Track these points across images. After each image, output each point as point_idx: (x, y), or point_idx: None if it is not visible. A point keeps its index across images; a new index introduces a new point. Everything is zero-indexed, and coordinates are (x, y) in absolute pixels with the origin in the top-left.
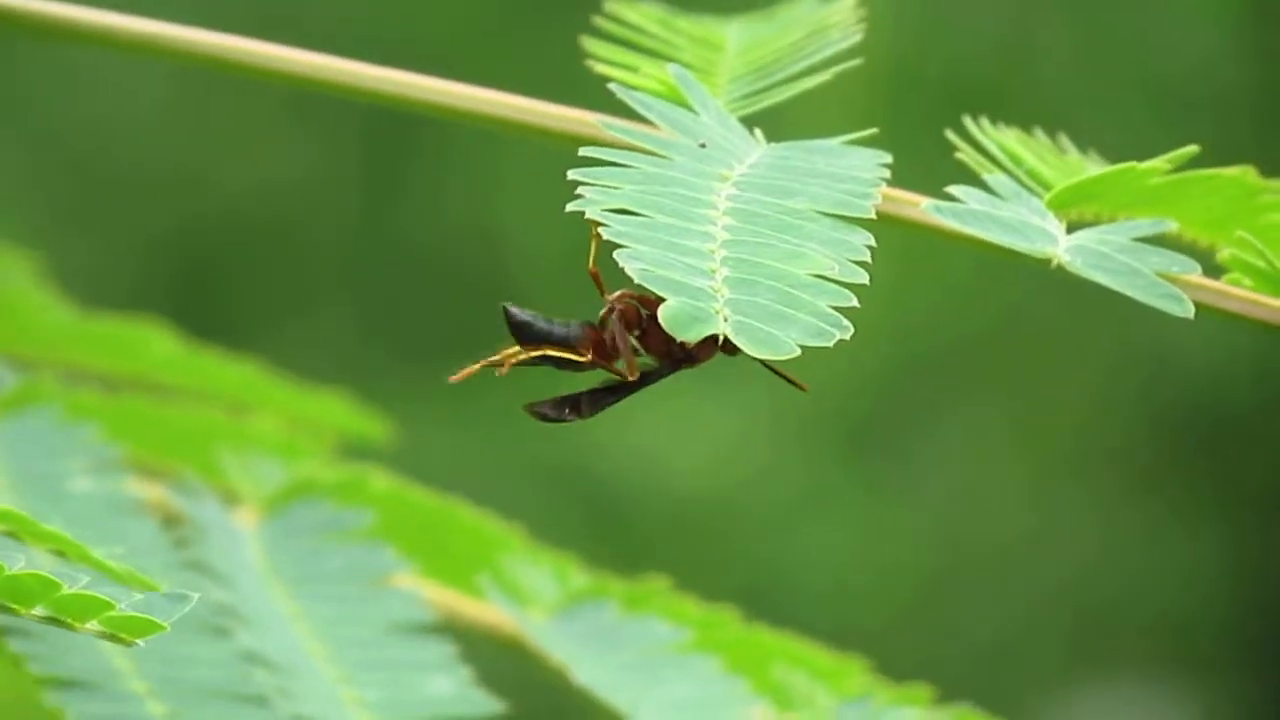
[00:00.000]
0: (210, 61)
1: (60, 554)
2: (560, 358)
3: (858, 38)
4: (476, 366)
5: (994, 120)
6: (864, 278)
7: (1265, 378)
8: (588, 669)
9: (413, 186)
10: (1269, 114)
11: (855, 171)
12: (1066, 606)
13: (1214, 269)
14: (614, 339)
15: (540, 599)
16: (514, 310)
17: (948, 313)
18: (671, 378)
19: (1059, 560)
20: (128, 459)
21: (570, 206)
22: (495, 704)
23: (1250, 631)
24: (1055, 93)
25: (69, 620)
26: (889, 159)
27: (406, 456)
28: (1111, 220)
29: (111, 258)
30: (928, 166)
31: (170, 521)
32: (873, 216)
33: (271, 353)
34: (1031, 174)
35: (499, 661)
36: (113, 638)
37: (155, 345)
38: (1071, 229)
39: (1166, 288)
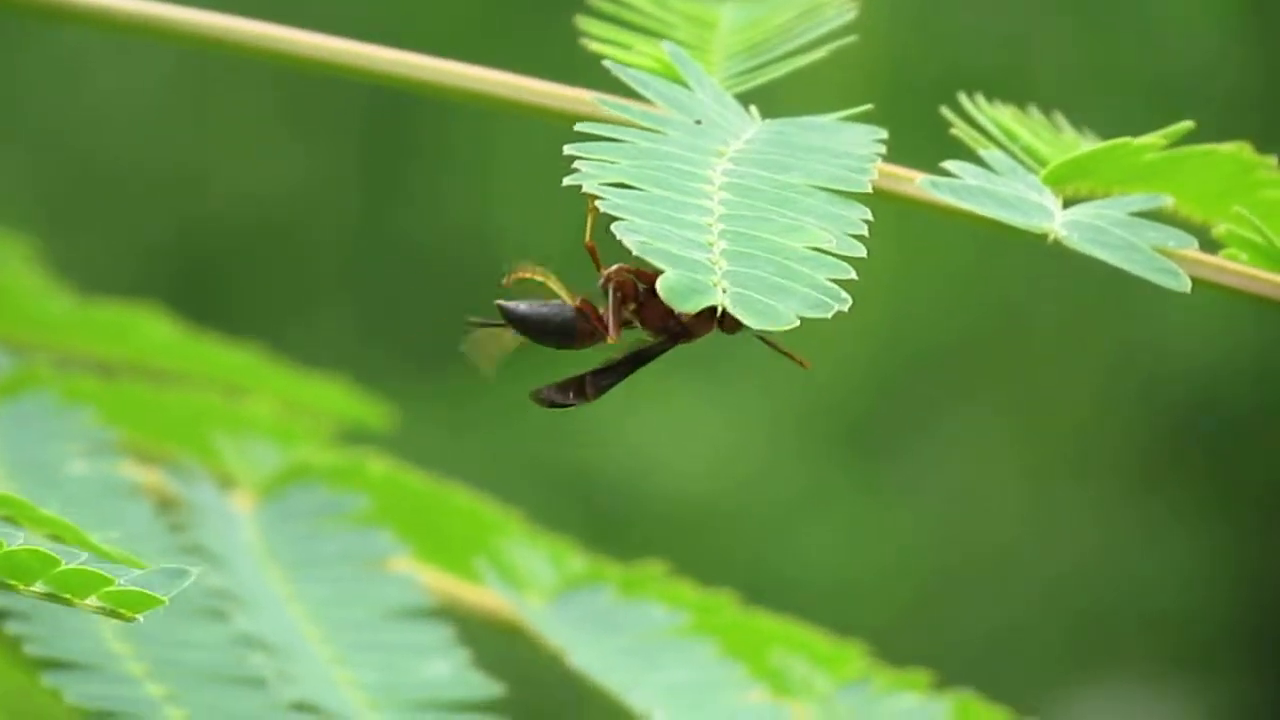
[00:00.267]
0: (208, 42)
1: (57, 538)
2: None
3: (852, 15)
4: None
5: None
6: (861, 251)
7: (1266, 377)
8: (584, 653)
9: (411, 188)
10: (1272, 113)
11: (851, 147)
12: (1066, 606)
13: (1210, 245)
14: (609, 311)
15: (537, 583)
16: (509, 306)
17: (946, 311)
18: (669, 380)
19: (1059, 559)
20: (124, 443)
21: (567, 180)
22: (493, 687)
23: (1251, 631)
24: (1054, 87)
25: (68, 596)
26: (884, 134)
27: (405, 457)
28: (1107, 196)
29: (110, 259)
30: (924, 153)
31: (166, 505)
32: (869, 191)
33: (271, 353)
34: (1027, 150)
35: (495, 645)
36: (112, 613)
37: (151, 330)
38: (1067, 205)
39: (1163, 262)
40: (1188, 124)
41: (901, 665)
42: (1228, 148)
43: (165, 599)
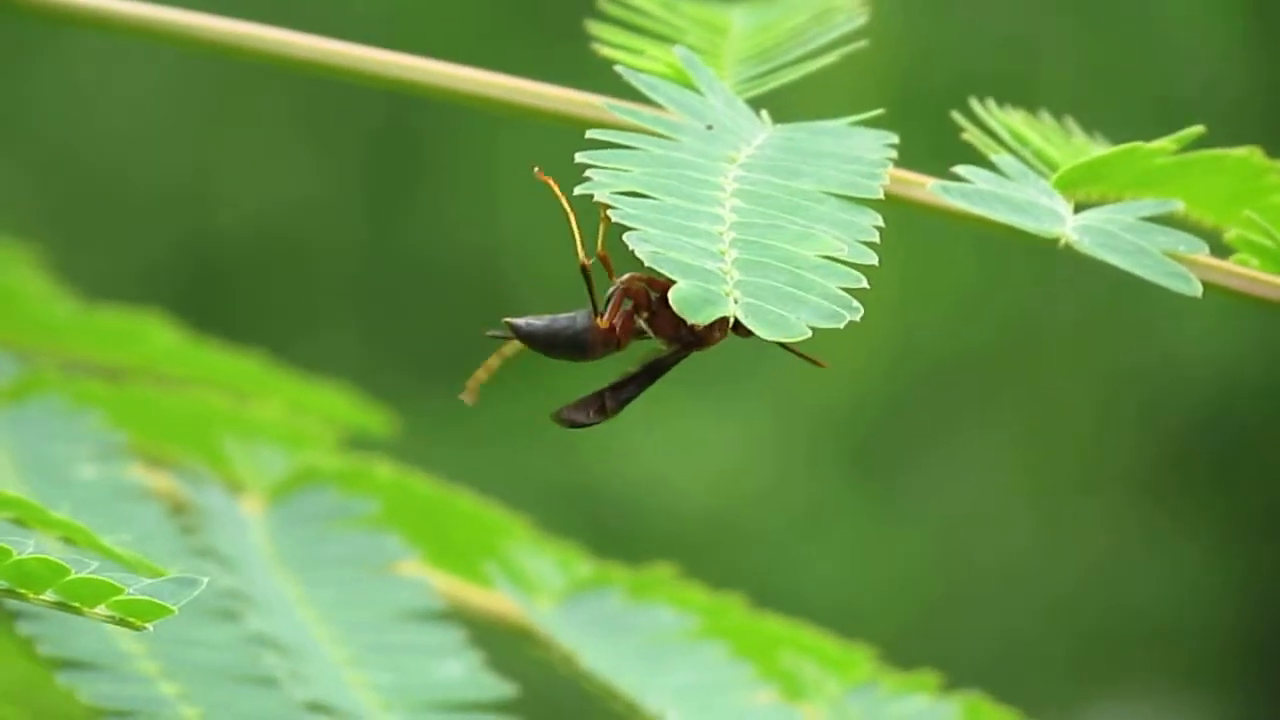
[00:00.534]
0: (218, 47)
1: (68, 541)
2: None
3: (863, 20)
4: (482, 374)
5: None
6: (873, 259)
7: (1273, 390)
8: (595, 655)
9: (417, 202)
10: (1277, 122)
11: (862, 152)
12: (1074, 621)
13: (1220, 250)
14: (621, 321)
15: (545, 586)
16: (517, 322)
17: (953, 328)
18: (676, 396)
19: (1066, 574)
20: (132, 447)
21: (579, 189)
22: (505, 688)
23: (1260, 645)
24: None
25: (78, 605)
26: (895, 140)
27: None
28: (1118, 201)
29: (116, 272)
30: (931, 162)
31: (176, 509)
32: (881, 197)
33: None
34: (1038, 155)
35: (503, 648)
36: (121, 622)
37: (156, 336)
38: (1078, 209)
39: (1174, 266)
40: (1198, 129)
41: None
42: (1238, 153)
43: (174, 608)
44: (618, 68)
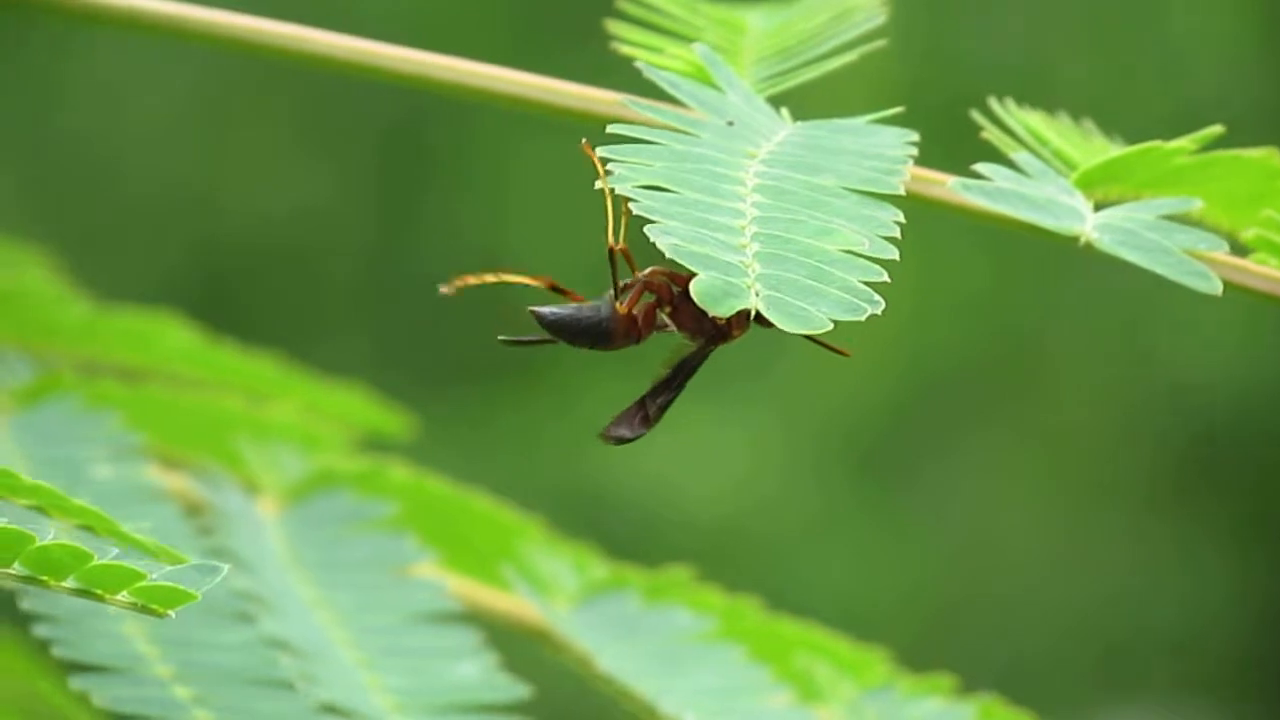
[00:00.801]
0: (238, 44)
1: (88, 529)
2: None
3: (883, 19)
4: (471, 279)
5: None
6: (894, 253)
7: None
8: (611, 657)
9: (428, 211)
10: None
11: (883, 149)
12: (1087, 631)
13: (1237, 251)
14: (642, 314)
15: (562, 588)
16: (542, 311)
17: (963, 337)
18: (684, 405)
19: (1078, 585)
20: (148, 448)
21: (599, 184)
22: (521, 689)
23: (1274, 657)
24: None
25: (100, 592)
26: (916, 137)
27: None
28: (1137, 200)
29: (127, 279)
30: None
31: (192, 510)
32: (902, 193)
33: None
34: (1057, 154)
35: (519, 650)
36: (144, 608)
37: (171, 338)
38: (1097, 209)
39: (1194, 265)
40: (1217, 129)
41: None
42: (1256, 153)
43: (197, 593)
44: (638, 63)
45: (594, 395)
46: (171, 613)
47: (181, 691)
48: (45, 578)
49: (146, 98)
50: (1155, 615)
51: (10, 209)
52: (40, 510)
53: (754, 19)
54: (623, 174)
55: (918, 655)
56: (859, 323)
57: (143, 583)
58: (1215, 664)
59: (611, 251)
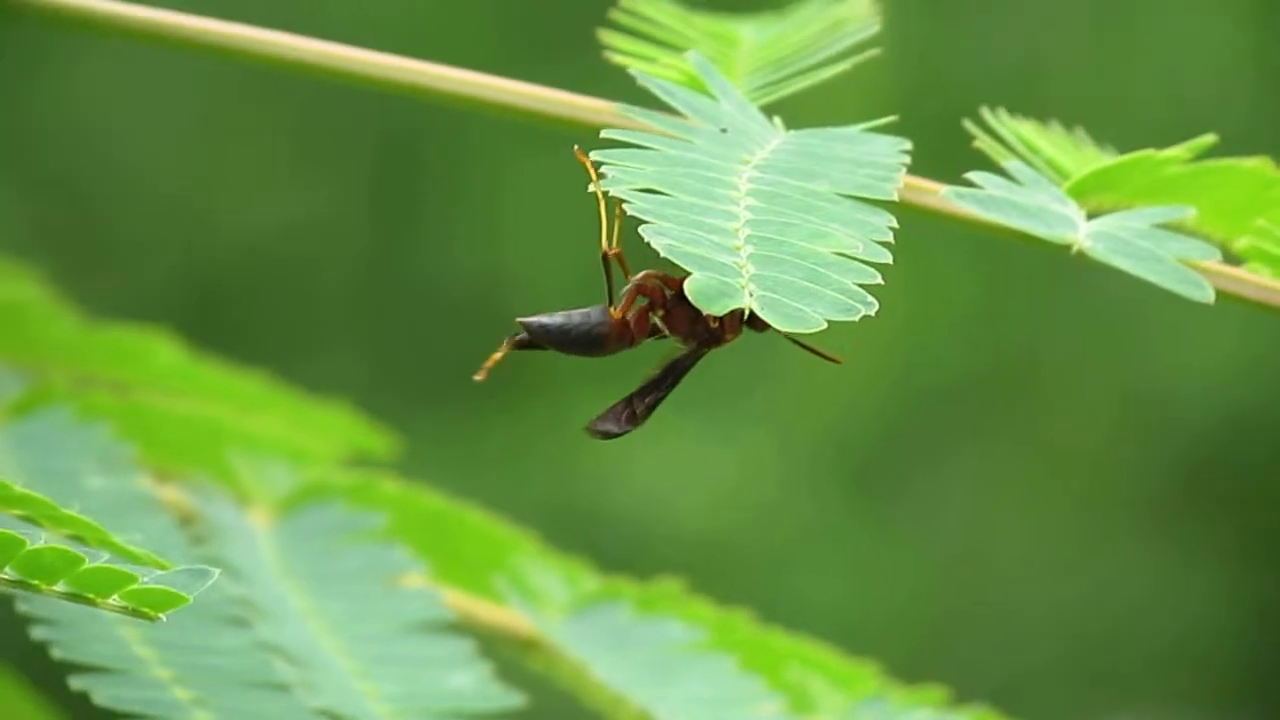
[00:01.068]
0: (231, 53)
1: (79, 539)
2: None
3: (877, 28)
4: (499, 355)
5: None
6: (888, 257)
7: (1275, 410)
8: (604, 667)
9: (421, 226)
10: None
11: (876, 157)
12: (1080, 645)
13: (1230, 260)
14: (635, 318)
15: (553, 600)
16: (531, 321)
17: (956, 350)
18: (677, 418)
19: (1070, 598)
20: (139, 460)
21: (592, 188)
22: (514, 698)
23: (1267, 670)
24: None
25: (91, 596)
26: (909, 145)
27: None
28: (1129, 209)
29: (120, 298)
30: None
31: (184, 520)
32: (895, 199)
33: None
34: (1050, 163)
35: (511, 661)
36: (135, 612)
37: (161, 354)
38: (1090, 217)
39: (1186, 273)
40: (1210, 138)
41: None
42: (1249, 163)
43: (189, 597)
44: (632, 70)
45: (586, 411)
46: (163, 616)
47: (181, 693)
48: (36, 582)
49: (140, 112)
50: (1149, 627)
51: (3, 224)
52: (31, 520)
53: (747, 32)
54: (616, 177)
55: (912, 667)
56: (852, 335)
57: (134, 586)
58: (1208, 676)
59: (605, 255)
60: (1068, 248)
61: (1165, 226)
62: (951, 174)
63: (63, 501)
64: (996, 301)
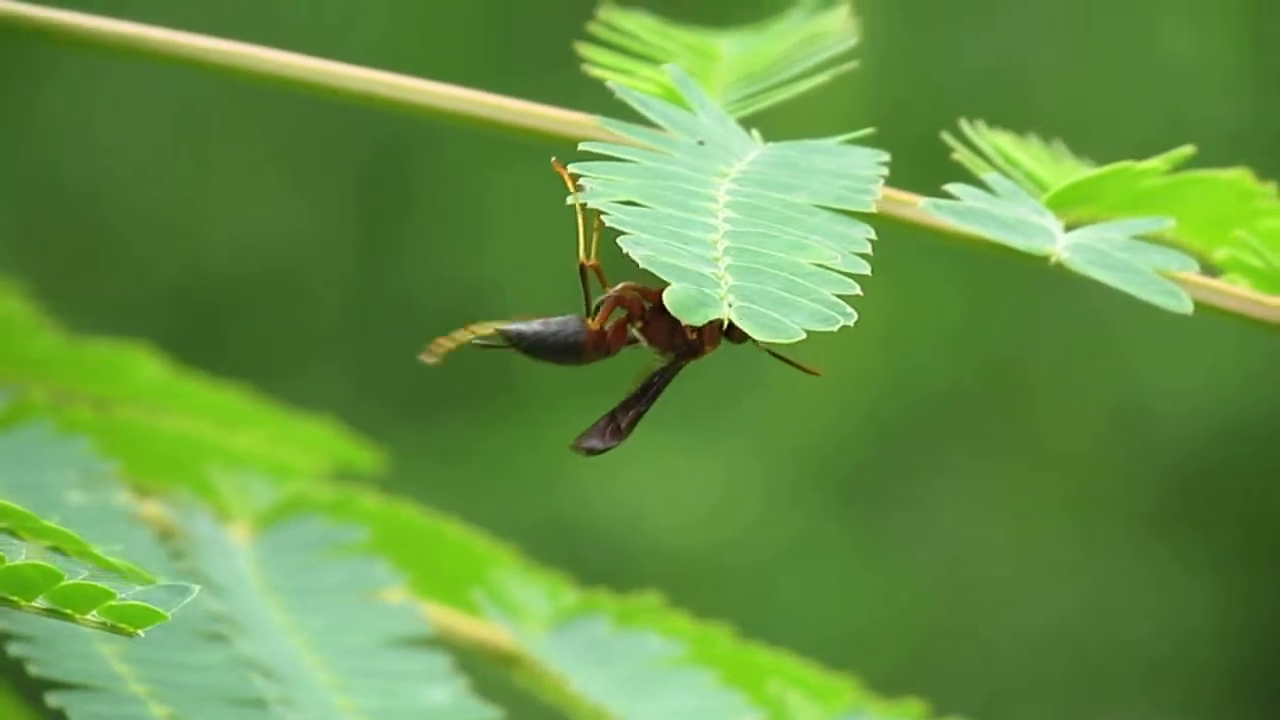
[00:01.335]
0: (212, 67)
1: (59, 550)
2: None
3: (854, 42)
4: (449, 343)
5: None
6: (866, 268)
7: (1266, 424)
8: (583, 681)
9: (406, 240)
10: (1270, 152)
11: (854, 169)
12: (1067, 656)
13: (1210, 271)
14: (613, 329)
15: (533, 614)
16: (510, 328)
17: (942, 362)
18: (661, 432)
19: (1058, 610)
20: (120, 475)
21: (571, 200)
22: (491, 713)
23: (1252, 679)
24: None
25: (70, 611)
26: (887, 157)
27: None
28: (1108, 221)
29: (105, 313)
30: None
31: (164, 535)
32: (873, 210)
33: (259, 395)
34: (1029, 176)
35: (489, 675)
36: (113, 628)
37: (143, 369)
38: (1068, 229)
39: (1164, 284)
40: (1188, 149)
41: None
42: (1228, 174)
43: (167, 614)
44: (610, 84)
45: (570, 425)
46: (141, 632)
47: (157, 710)
48: (15, 598)
49: (125, 127)
50: (1136, 637)
51: None
52: (10, 533)
53: (726, 44)
54: (595, 190)
55: (899, 681)
56: (836, 347)
57: (112, 602)
58: (1196, 686)
59: (582, 267)
60: (1046, 259)
61: (1144, 238)
62: (935, 186)
63: (43, 515)
64: (981, 312)
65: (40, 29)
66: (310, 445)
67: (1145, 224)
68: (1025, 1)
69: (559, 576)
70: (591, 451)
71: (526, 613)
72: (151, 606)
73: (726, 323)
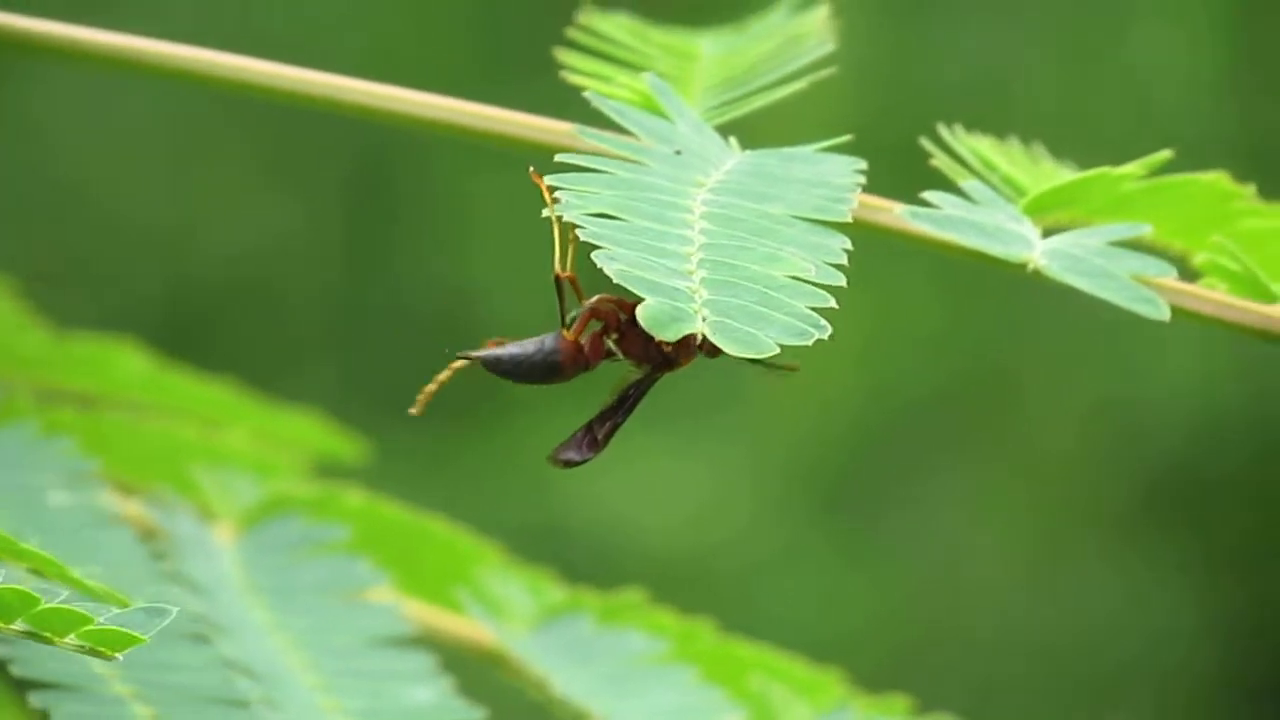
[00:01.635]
0: (197, 77)
1: (38, 573)
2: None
3: (832, 47)
4: (434, 387)
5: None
6: (841, 280)
7: (1250, 428)
8: (566, 680)
9: (393, 245)
10: (1245, 160)
11: (830, 177)
12: (1052, 660)
13: (1189, 275)
14: (590, 342)
15: (517, 612)
16: (488, 355)
17: (924, 368)
18: (647, 436)
19: (1043, 614)
20: (103, 474)
21: (546, 213)
22: (476, 713)
23: (1238, 684)
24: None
25: (48, 635)
26: (864, 165)
27: None
28: (1087, 226)
29: (94, 318)
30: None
31: (147, 535)
32: (849, 221)
33: (245, 389)
34: (1006, 180)
35: (474, 674)
36: (92, 651)
37: (127, 365)
38: (1047, 234)
39: (1141, 291)
40: (1166, 153)
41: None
42: (1206, 177)
43: (145, 637)
44: (587, 94)
45: (557, 427)
46: (120, 655)
47: (140, 710)
48: None
49: (113, 132)
50: (1124, 644)
51: None
52: None
53: (705, 45)
54: (571, 202)
55: (882, 682)
56: (820, 352)
57: (90, 626)
58: (1184, 692)
59: (558, 279)
60: (1023, 266)
61: (1122, 243)
62: (920, 188)
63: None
64: (969, 319)
65: (24, 40)
66: (295, 439)
67: (1123, 229)
68: (1007, 5)
69: (543, 572)
70: (569, 464)
71: (510, 611)
72: (129, 631)
73: (701, 337)
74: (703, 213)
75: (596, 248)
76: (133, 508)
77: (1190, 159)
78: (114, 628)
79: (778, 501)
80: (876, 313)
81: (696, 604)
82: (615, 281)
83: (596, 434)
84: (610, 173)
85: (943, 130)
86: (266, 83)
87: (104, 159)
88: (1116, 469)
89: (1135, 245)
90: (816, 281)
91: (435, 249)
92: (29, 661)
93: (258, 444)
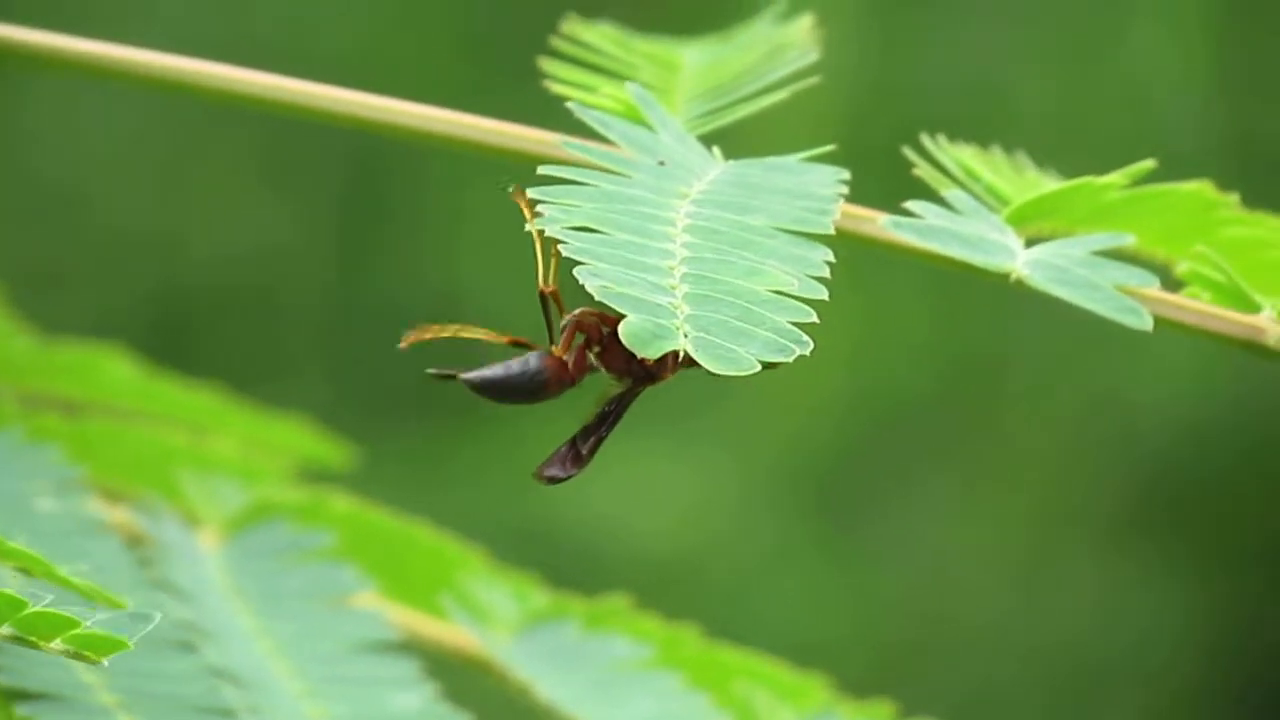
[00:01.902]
0: (187, 88)
1: (25, 571)
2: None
3: (816, 57)
4: (425, 334)
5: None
6: (824, 293)
7: (1238, 431)
8: (551, 686)
9: (384, 250)
10: (1238, 167)
11: (814, 188)
12: (1042, 665)
13: (1173, 284)
14: (573, 357)
15: (502, 618)
16: (472, 377)
17: (913, 372)
18: (636, 440)
19: (1032, 618)
20: (90, 481)
21: (529, 226)
22: (462, 719)
23: (1229, 687)
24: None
25: (35, 639)
26: (847, 175)
27: None
28: (1070, 236)
29: (84, 322)
30: (885, 206)
31: (133, 542)
32: (831, 232)
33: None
34: (990, 190)
35: (460, 680)
36: (78, 656)
37: (113, 370)
38: (1030, 244)
39: (1124, 301)
40: (1149, 163)
41: None
42: (1189, 186)
43: (130, 643)
44: (570, 104)
45: (543, 433)
46: (105, 661)
47: None
48: None
49: (105, 135)
50: (1114, 647)
51: None
52: None
53: (688, 55)
54: (553, 215)
55: (868, 687)
56: (810, 356)
57: (77, 630)
58: (1174, 695)
59: (543, 294)
60: (1006, 276)
61: (1105, 253)
62: (907, 193)
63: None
64: (957, 324)
65: (11, 49)
66: (283, 445)
67: (1106, 239)
68: (997, 10)
69: (529, 578)
70: (553, 480)
71: (494, 617)
72: (115, 635)
73: (682, 352)
74: (685, 225)
75: (578, 263)
76: (119, 514)
77: (1182, 163)
78: (100, 633)
79: (765, 505)
80: (864, 317)
81: (683, 607)
82: (597, 299)
83: (580, 449)
84: (593, 185)
85: (926, 139)
86: (258, 93)
87: (92, 164)
88: (1103, 473)
89: (1118, 255)
90: (799, 295)
91: (425, 252)
92: (16, 670)
93: (245, 450)
